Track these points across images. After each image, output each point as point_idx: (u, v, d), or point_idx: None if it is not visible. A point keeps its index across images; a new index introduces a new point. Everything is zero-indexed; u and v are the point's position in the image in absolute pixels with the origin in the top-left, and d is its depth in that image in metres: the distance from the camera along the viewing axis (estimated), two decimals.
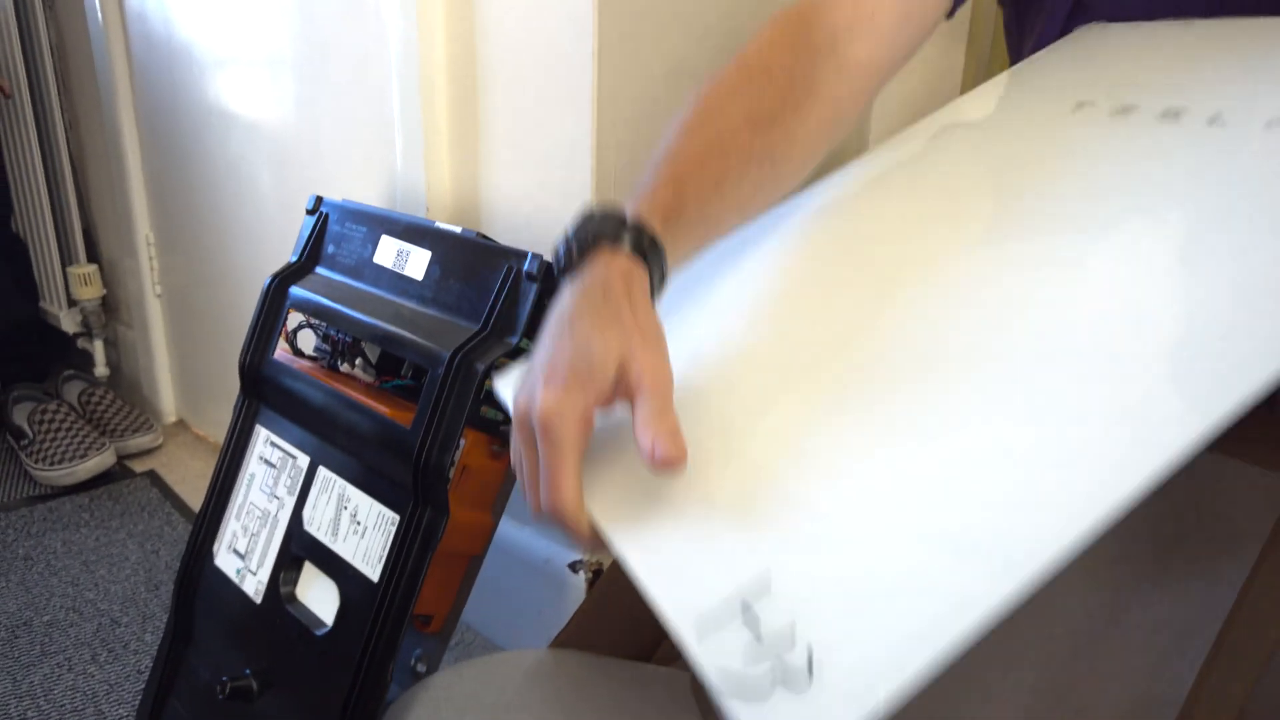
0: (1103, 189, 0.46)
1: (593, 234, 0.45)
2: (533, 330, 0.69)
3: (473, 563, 0.78)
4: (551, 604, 0.95)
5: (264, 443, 0.81)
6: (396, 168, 1.01)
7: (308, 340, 0.84)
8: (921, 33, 0.58)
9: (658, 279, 0.46)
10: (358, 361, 0.82)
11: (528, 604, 0.98)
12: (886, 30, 0.56)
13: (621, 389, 0.40)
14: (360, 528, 0.70)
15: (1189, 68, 0.52)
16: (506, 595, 0.99)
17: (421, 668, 0.75)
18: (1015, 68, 0.61)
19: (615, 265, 0.44)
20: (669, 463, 0.38)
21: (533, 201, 0.91)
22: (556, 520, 0.40)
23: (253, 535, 0.78)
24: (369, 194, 1.06)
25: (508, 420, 0.77)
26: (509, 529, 0.98)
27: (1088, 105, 0.52)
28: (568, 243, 0.46)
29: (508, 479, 0.78)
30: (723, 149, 0.50)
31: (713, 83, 0.53)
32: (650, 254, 0.45)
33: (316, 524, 0.73)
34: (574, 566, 0.93)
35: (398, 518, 0.67)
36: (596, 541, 0.41)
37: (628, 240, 0.45)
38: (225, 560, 0.80)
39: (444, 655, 0.76)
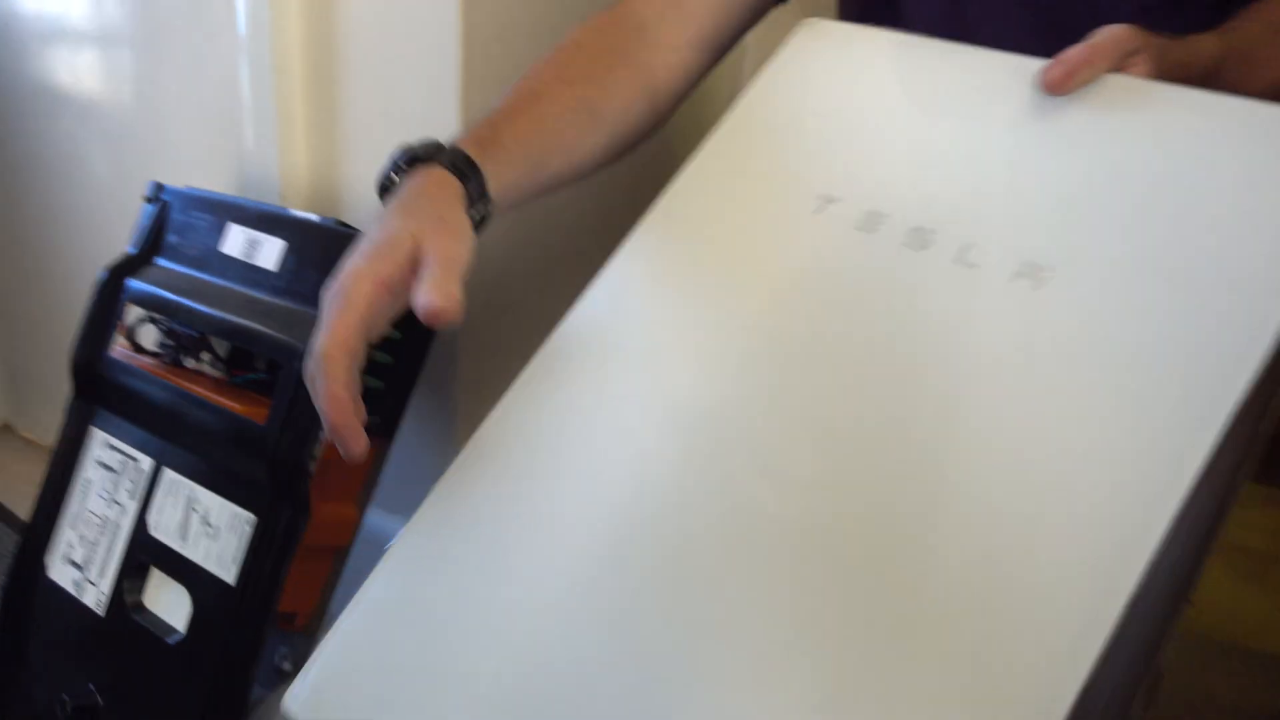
0: (845, 319, 0.47)
1: (411, 157, 0.49)
2: (396, 321, 0.68)
3: (338, 556, 0.76)
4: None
5: (101, 446, 0.76)
6: (247, 153, 0.96)
7: (150, 336, 0.80)
8: (743, 18, 0.62)
9: (475, 192, 0.49)
10: (204, 356, 0.78)
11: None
12: (697, 14, 0.59)
13: (414, 266, 0.43)
14: (212, 530, 0.67)
15: (943, 154, 0.49)
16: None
17: (288, 666, 0.73)
18: (745, 108, 0.55)
19: (430, 176, 0.48)
20: (437, 315, 0.41)
21: None
22: (316, 371, 0.43)
23: (91, 544, 0.73)
24: (215, 181, 1.01)
25: (373, 412, 0.75)
26: (377, 519, 0.96)
27: (832, 204, 0.50)
28: (389, 167, 0.50)
29: (372, 470, 0.76)
30: (538, 97, 0.55)
31: (532, 65, 0.58)
32: (466, 170, 0.49)
33: (163, 529, 0.69)
34: None
35: (254, 518, 0.65)
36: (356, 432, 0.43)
37: (444, 158, 0.49)
38: (60, 572, 0.75)
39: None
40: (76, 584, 0.73)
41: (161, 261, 0.79)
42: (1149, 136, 0.45)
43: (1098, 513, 0.38)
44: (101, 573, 0.72)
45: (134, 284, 0.77)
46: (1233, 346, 0.39)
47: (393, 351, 0.74)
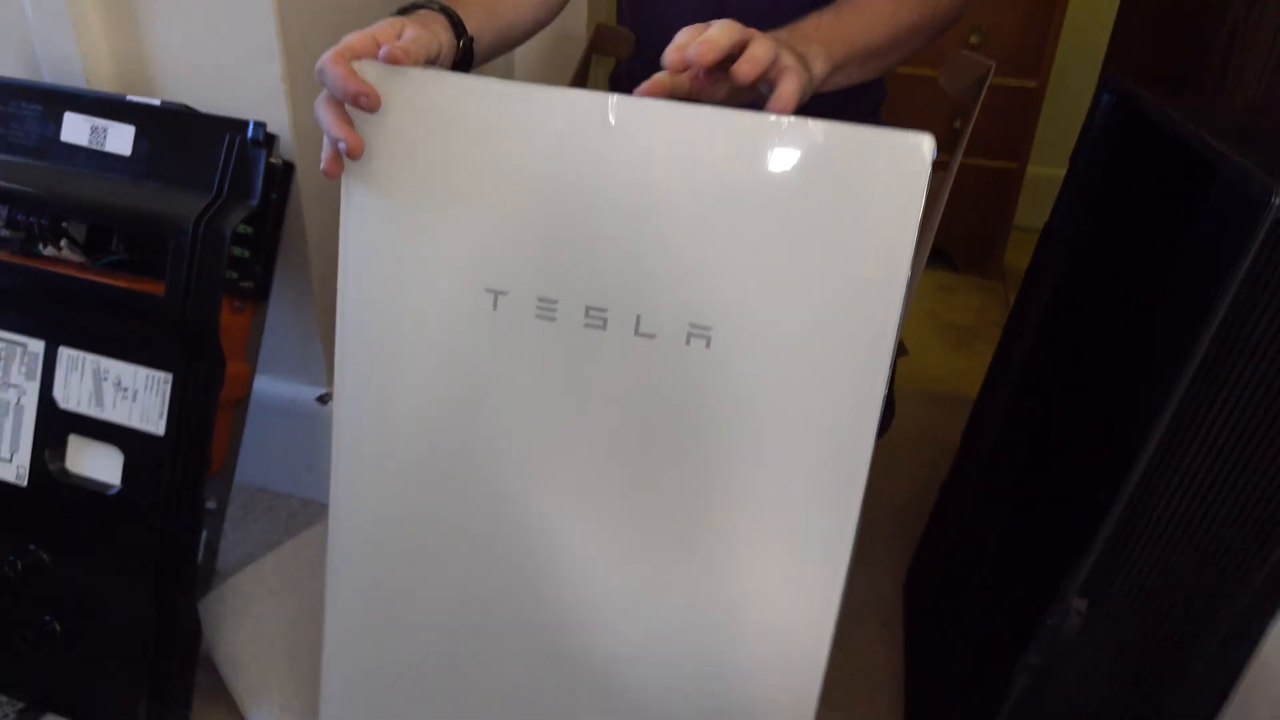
0: (564, 403, 0.58)
1: (405, 7, 0.61)
2: (267, 190, 0.76)
3: (239, 407, 0.86)
4: (306, 438, 1.05)
5: None
6: (30, 32, 0.93)
7: None
8: None
9: (458, 25, 0.62)
10: (63, 243, 0.82)
11: (283, 444, 1.06)
12: None
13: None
14: (129, 393, 0.75)
15: (575, 223, 0.55)
16: (263, 440, 1.07)
17: (212, 504, 0.84)
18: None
19: (425, 12, 0.61)
20: (362, 95, 0.53)
21: (214, 64, 0.92)
22: (325, 65, 0.53)
23: None
24: (1, 64, 0.98)
25: (244, 279, 0.84)
26: (257, 382, 1.05)
27: (503, 297, 0.57)
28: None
29: (253, 329, 0.85)
30: None
31: None
32: (450, 10, 0.62)
33: (75, 400, 0.76)
34: (321, 399, 1.03)
35: (170, 375, 0.74)
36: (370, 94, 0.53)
37: (434, 5, 0.61)
38: None
39: (230, 493, 0.86)
40: None
41: None
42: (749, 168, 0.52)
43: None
44: (14, 448, 0.78)
45: None
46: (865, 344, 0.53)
47: (253, 223, 0.82)
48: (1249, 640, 0.52)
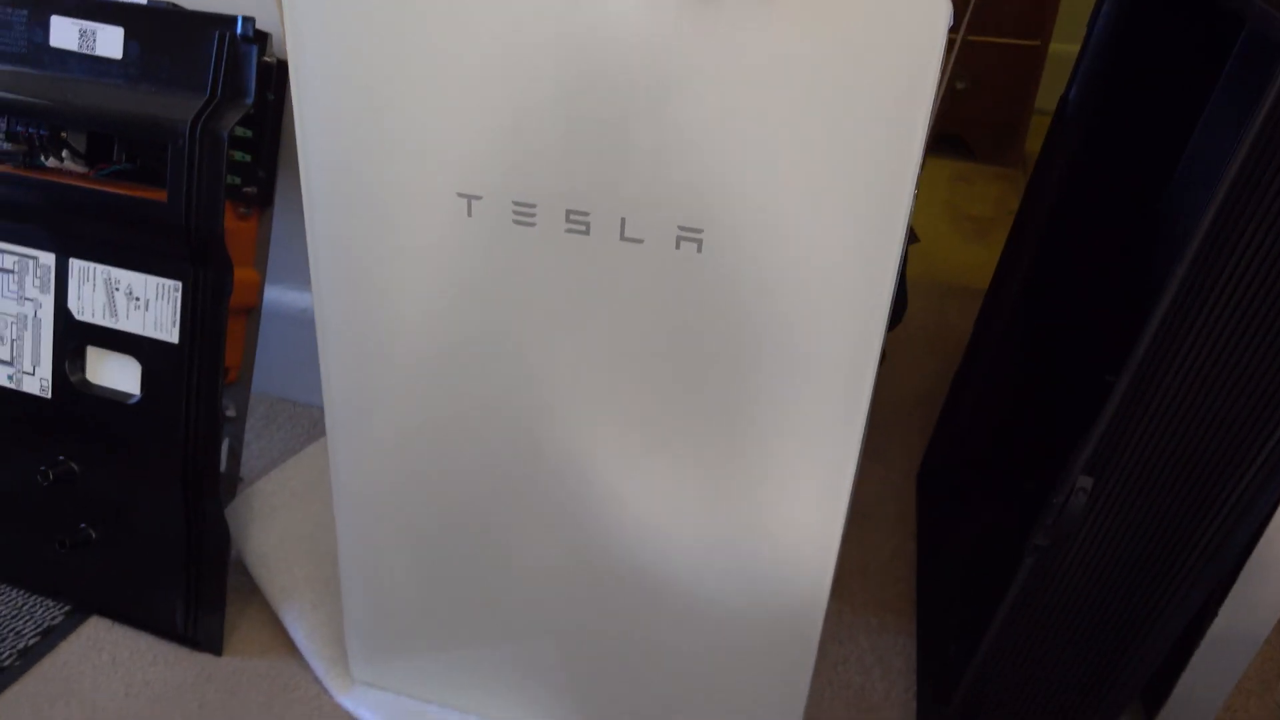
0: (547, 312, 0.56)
1: None
2: (262, 90, 0.75)
3: (251, 316, 0.86)
4: None
5: None
6: None
7: None
8: None
9: None
10: (64, 153, 0.81)
11: (301, 353, 1.07)
12: None
13: None
14: (141, 302, 0.75)
15: (544, 122, 0.51)
16: (283, 350, 1.08)
17: (231, 412, 0.85)
18: None
19: None
20: None
21: None
22: None
23: (14, 340, 0.80)
24: None
25: (247, 184, 0.83)
26: (271, 293, 1.05)
27: (478, 201, 0.54)
28: None
29: (261, 235, 0.85)
30: None
31: None
32: None
33: (89, 311, 0.77)
34: None
35: (180, 283, 0.74)
36: None
37: None
38: None
39: (249, 401, 0.87)
40: (11, 378, 0.80)
41: None
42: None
43: None
44: (35, 362, 0.79)
45: None
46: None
47: (250, 125, 0.81)
48: (1254, 515, 0.52)
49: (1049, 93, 1.76)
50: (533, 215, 0.53)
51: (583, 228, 0.53)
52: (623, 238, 0.53)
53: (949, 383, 1.08)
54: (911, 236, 1.04)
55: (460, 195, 0.54)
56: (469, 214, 0.54)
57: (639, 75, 0.49)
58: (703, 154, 0.50)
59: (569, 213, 0.53)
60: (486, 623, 0.71)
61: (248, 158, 0.83)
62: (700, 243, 0.52)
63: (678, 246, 0.52)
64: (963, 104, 1.76)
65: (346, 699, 0.76)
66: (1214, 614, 0.67)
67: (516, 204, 0.53)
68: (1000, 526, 0.94)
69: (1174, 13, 0.71)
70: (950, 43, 0.64)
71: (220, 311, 0.74)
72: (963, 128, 1.83)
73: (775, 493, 0.59)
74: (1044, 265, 0.88)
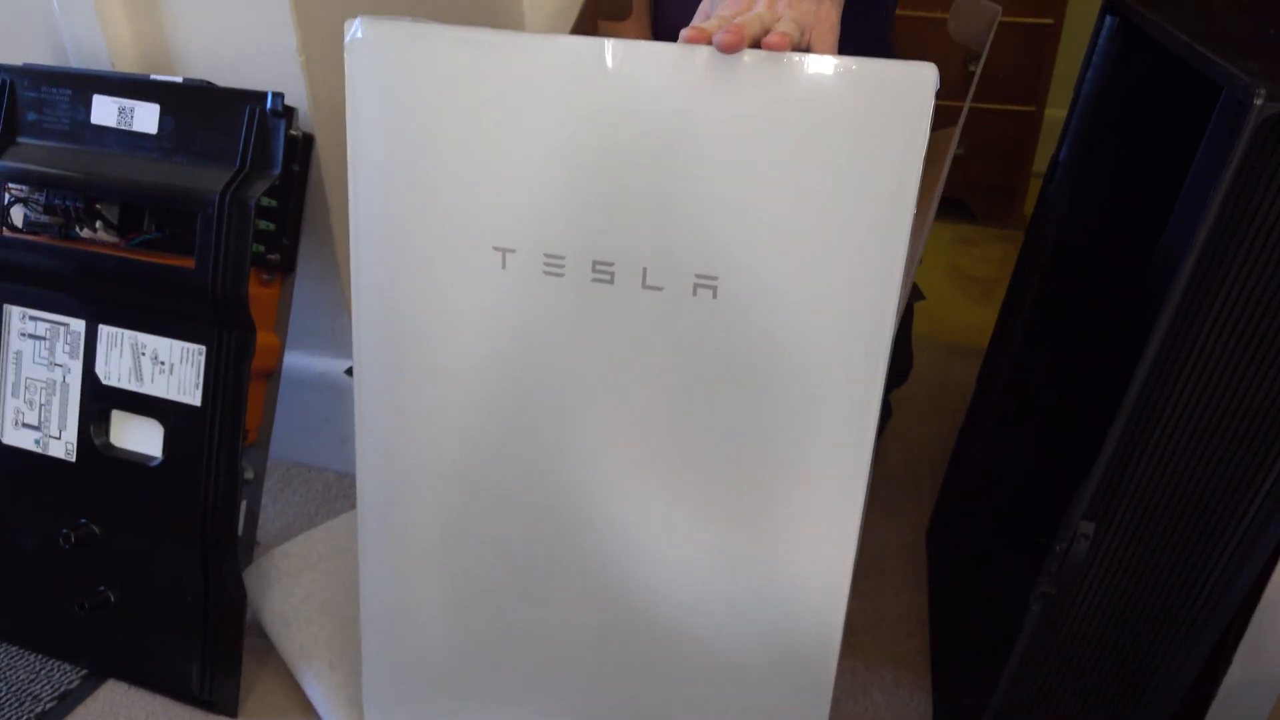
0: (577, 359, 0.59)
1: None
2: (288, 161, 0.78)
3: (271, 379, 0.89)
4: (338, 412, 1.08)
5: (20, 319, 0.83)
6: (57, 20, 0.96)
7: (19, 216, 0.85)
8: None
9: None
10: (98, 224, 0.85)
11: (316, 418, 1.10)
12: None
13: None
14: (166, 366, 0.78)
15: (578, 178, 0.55)
16: (298, 415, 1.10)
17: (250, 475, 0.87)
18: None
19: None
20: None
21: (231, 40, 0.94)
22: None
23: (42, 405, 0.82)
24: (27, 54, 1.01)
25: (271, 251, 0.86)
26: (288, 357, 1.08)
27: (512, 254, 0.58)
28: None
29: (282, 301, 0.88)
30: None
31: None
32: None
33: (115, 376, 0.80)
34: (349, 372, 1.06)
35: (204, 347, 0.76)
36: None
37: None
38: (16, 436, 0.83)
39: (267, 464, 0.89)
40: (38, 442, 0.83)
41: (27, 140, 0.83)
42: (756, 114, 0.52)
43: None
44: (62, 425, 0.82)
45: (4, 165, 0.82)
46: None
47: (276, 195, 0.84)
48: (1259, 553, 0.53)
49: (1045, 156, 1.81)
50: (562, 266, 0.57)
51: (607, 277, 0.57)
52: (644, 285, 0.56)
53: (955, 438, 1.09)
54: (916, 293, 1.07)
55: (496, 249, 0.58)
56: (503, 266, 0.58)
57: (661, 142, 0.54)
58: (717, 209, 0.54)
59: (595, 263, 0.57)
60: (505, 682, 0.71)
61: (272, 226, 0.86)
62: (715, 289, 0.55)
63: (694, 293, 0.56)
64: (963, 168, 1.81)
65: None
66: (1229, 660, 0.67)
67: (547, 256, 0.57)
68: (1011, 578, 0.94)
69: (1160, 74, 0.75)
70: (957, 111, 0.67)
71: (242, 374, 0.76)
72: (963, 191, 1.88)
73: (785, 539, 0.60)
74: (1040, 322, 0.90)
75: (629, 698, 0.69)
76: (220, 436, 0.77)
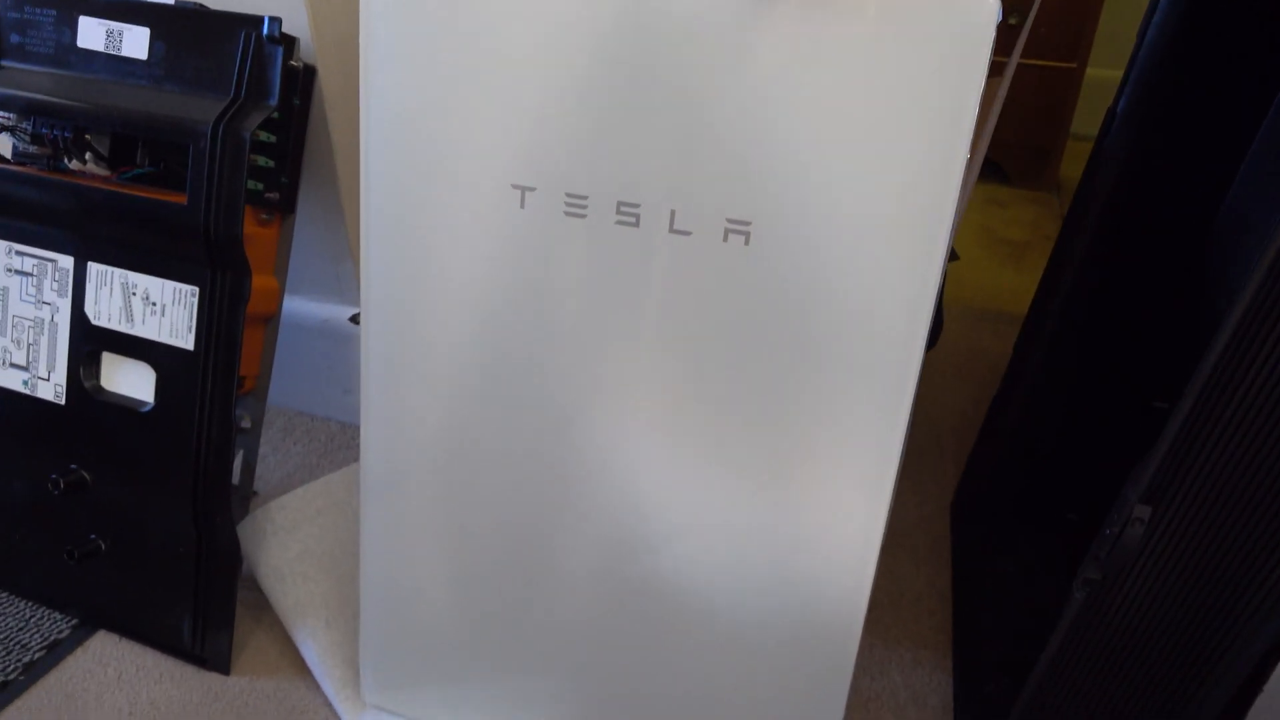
0: (601, 302, 0.55)
1: None
2: (287, 94, 0.73)
3: (270, 325, 0.85)
4: (342, 360, 1.04)
5: (6, 253, 0.79)
6: None
7: (6, 146, 0.80)
8: None
9: None
10: (88, 156, 0.80)
11: (319, 366, 1.06)
12: None
13: None
14: (157, 307, 0.74)
15: (599, 116, 0.51)
16: (300, 363, 1.06)
17: (246, 423, 0.83)
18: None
19: None
20: None
21: None
22: None
23: (30, 345, 0.79)
24: None
25: (270, 190, 0.82)
26: (290, 303, 1.04)
27: (531, 193, 0.54)
28: None
29: (283, 242, 0.84)
30: None
31: None
32: None
33: (105, 316, 0.76)
34: (354, 319, 1.01)
35: (197, 289, 0.72)
36: None
37: None
38: (4, 376, 0.80)
39: (265, 413, 0.85)
40: (27, 383, 0.79)
41: (10, 63, 0.78)
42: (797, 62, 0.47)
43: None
44: (51, 366, 0.78)
45: None
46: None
47: (274, 129, 0.79)
48: None
49: (1085, 117, 1.73)
50: (584, 207, 0.53)
51: (633, 219, 0.53)
52: (671, 229, 0.52)
53: (984, 410, 1.04)
54: (951, 254, 1.01)
55: (514, 187, 0.54)
56: (522, 205, 0.54)
57: (693, 68, 0.49)
58: (752, 146, 0.49)
59: (620, 204, 0.52)
60: (510, 646, 0.68)
61: (271, 163, 0.81)
62: (748, 235, 0.51)
63: (725, 239, 0.51)
64: (998, 128, 1.74)
65: None
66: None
67: (569, 196, 0.53)
68: (1041, 559, 0.90)
69: (1230, 23, 0.68)
70: (1001, 65, 0.61)
71: (237, 317, 0.72)
72: (996, 151, 1.80)
73: (814, 498, 0.56)
74: (1087, 290, 0.85)
75: (638, 669, 0.65)
76: (213, 382, 0.73)
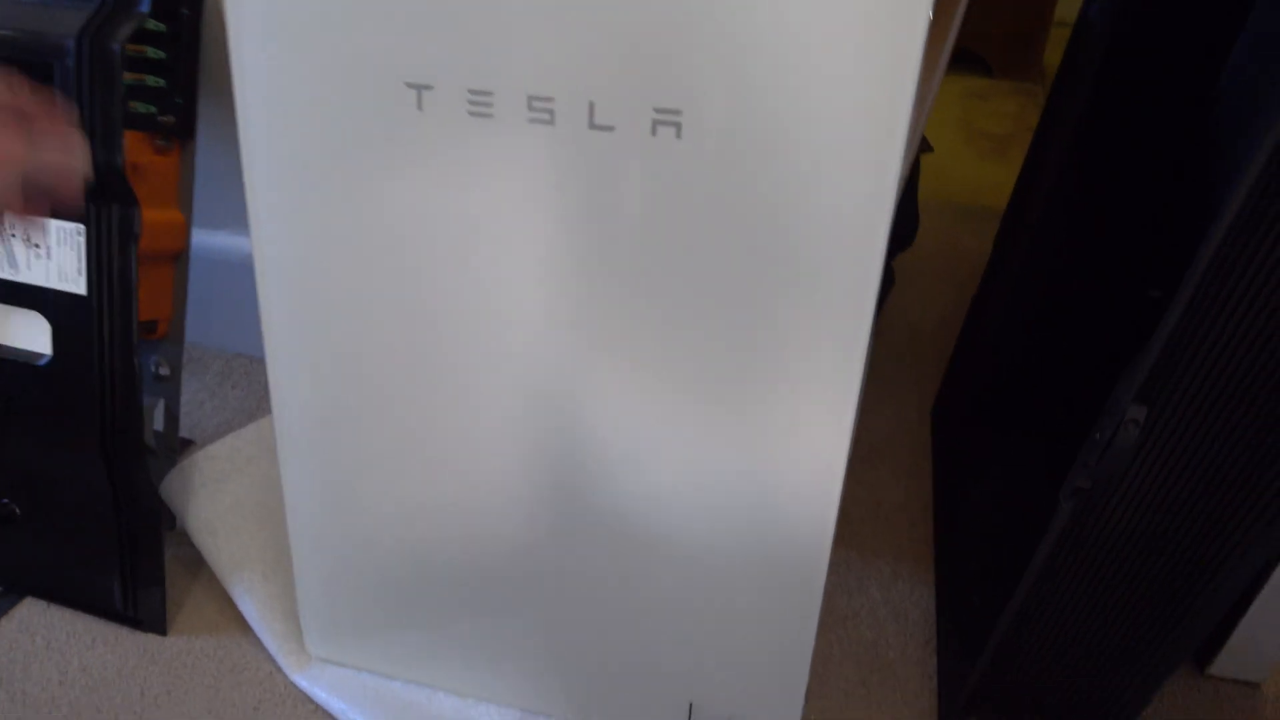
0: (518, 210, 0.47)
1: None
2: (174, 3, 0.65)
3: (179, 262, 0.77)
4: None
5: None
6: None
7: None
8: None
9: None
10: None
11: (253, 304, 0.98)
12: None
13: None
14: (41, 250, 0.66)
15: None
16: (232, 301, 0.99)
17: (164, 371, 0.77)
18: None
19: None
20: None
21: None
22: None
23: None
24: None
25: (163, 112, 0.73)
26: (217, 239, 0.96)
27: (429, 92, 0.46)
28: None
29: (184, 170, 0.76)
30: None
31: None
32: None
33: None
34: None
35: (83, 226, 0.65)
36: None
37: None
38: None
39: (183, 356, 0.78)
40: None
41: None
42: None
43: None
44: None
45: None
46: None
47: (163, 45, 0.71)
48: None
49: (1069, 2, 1.62)
50: (490, 104, 0.46)
51: (546, 116, 0.45)
52: (592, 125, 0.45)
53: (965, 311, 0.98)
54: (924, 145, 0.94)
55: (409, 85, 0.47)
56: (419, 106, 0.47)
57: None
58: (675, 19, 0.41)
59: (530, 99, 0.45)
60: (457, 586, 0.63)
61: (162, 82, 0.73)
62: (679, 127, 0.44)
63: (654, 132, 0.44)
64: (977, 17, 1.63)
65: (301, 678, 0.69)
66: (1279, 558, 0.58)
67: (472, 92, 0.46)
68: (1026, 463, 0.85)
69: None
70: None
71: (129, 255, 0.65)
72: (977, 42, 1.70)
73: (773, 416, 0.50)
74: (1070, 180, 0.78)
75: (593, 595, 0.60)
76: (112, 328, 0.66)
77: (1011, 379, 0.89)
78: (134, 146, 0.71)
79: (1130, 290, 0.71)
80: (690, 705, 0.62)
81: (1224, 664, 0.68)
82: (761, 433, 0.51)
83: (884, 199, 0.43)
